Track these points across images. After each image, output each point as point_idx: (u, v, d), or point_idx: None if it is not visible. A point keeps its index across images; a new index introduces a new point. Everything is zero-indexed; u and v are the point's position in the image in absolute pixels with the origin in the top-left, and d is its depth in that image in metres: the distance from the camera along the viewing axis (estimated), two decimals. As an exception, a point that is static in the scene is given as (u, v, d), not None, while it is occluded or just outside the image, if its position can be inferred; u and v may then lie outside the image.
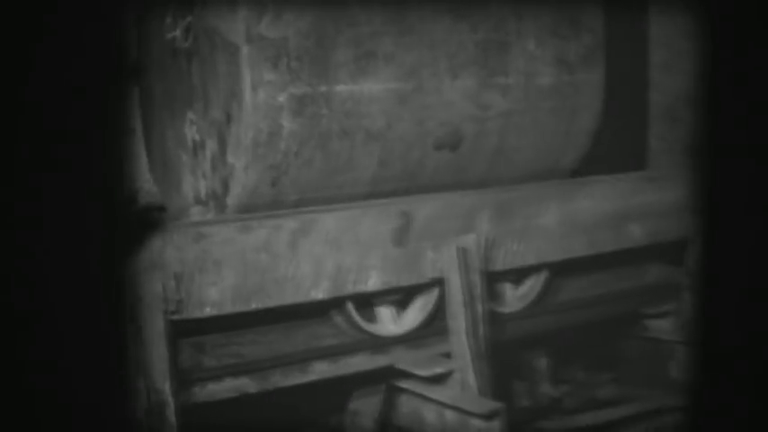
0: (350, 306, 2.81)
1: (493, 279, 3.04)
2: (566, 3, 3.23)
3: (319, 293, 2.62)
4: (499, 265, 2.97)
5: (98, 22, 1.63)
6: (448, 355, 2.89)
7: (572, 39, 3.23)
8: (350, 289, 2.67)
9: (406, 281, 2.79)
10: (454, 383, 2.88)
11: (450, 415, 2.81)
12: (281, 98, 2.64)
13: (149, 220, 2.39)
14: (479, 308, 2.87)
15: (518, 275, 3.20)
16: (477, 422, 2.73)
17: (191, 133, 2.87)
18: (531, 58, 3.12)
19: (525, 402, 3.47)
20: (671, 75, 3.79)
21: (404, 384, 2.86)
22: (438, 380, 2.86)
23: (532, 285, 3.24)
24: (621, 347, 3.63)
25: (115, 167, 1.65)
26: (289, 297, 2.57)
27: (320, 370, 2.68)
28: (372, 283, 2.71)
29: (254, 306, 2.51)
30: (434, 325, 2.96)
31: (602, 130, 3.37)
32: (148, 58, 3.00)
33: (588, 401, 3.64)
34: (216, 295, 2.46)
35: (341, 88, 2.73)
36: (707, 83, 1.75)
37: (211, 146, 2.78)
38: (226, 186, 2.75)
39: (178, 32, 2.83)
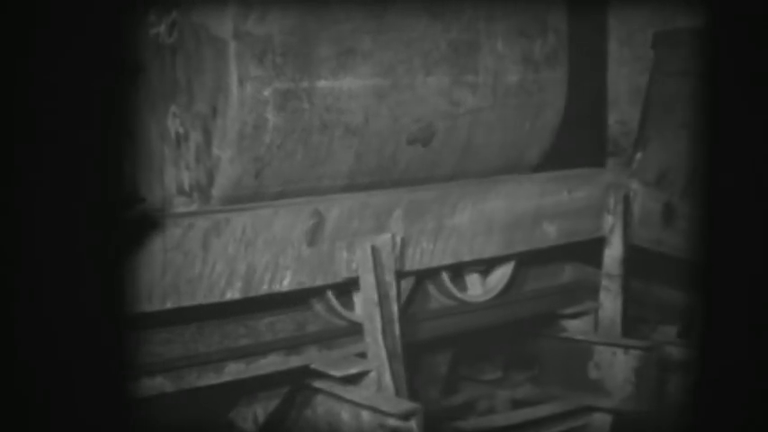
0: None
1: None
2: (533, 3, 3.55)
3: (235, 293, 2.77)
4: (414, 264, 3.16)
5: (96, 22, 1.72)
6: (363, 356, 3.07)
7: (537, 38, 3.56)
8: (264, 289, 2.82)
9: (321, 281, 2.95)
10: (370, 384, 3.05)
11: (366, 415, 2.97)
12: (267, 93, 2.88)
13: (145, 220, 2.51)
14: (394, 308, 3.05)
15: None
16: (393, 422, 2.89)
17: (174, 126, 3.06)
18: (500, 57, 3.44)
19: (442, 402, 3.67)
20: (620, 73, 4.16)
21: (319, 385, 3.02)
22: (353, 380, 3.03)
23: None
24: (539, 347, 3.86)
25: (112, 167, 1.74)
26: (202, 297, 2.71)
27: (235, 370, 2.82)
28: (287, 283, 2.87)
29: (168, 305, 2.65)
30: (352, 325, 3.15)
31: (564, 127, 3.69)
32: (129, 53, 3.10)
33: (505, 401, 3.86)
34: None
35: (322, 84, 2.99)
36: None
37: (195, 138, 2.99)
38: (211, 178, 2.96)
39: (162, 28, 3.03)
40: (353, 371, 3.01)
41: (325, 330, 3.08)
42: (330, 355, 3.05)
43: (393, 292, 3.05)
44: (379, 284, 3.00)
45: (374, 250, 3.00)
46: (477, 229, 3.30)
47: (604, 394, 3.69)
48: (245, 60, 2.83)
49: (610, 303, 3.75)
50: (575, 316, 3.82)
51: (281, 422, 3.10)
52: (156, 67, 3.07)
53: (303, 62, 2.94)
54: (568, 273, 3.89)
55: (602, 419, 3.74)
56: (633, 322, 4.13)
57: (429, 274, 3.37)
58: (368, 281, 3.00)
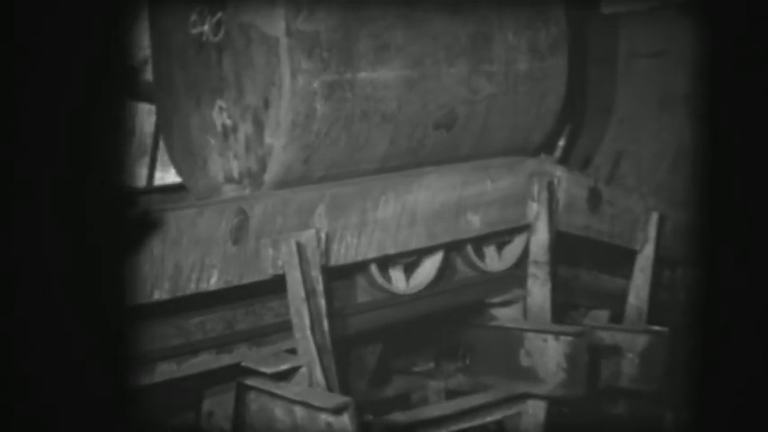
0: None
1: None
2: (531, 6, 4.22)
3: (163, 294, 3.07)
4: (339, 259, 3.49)
5: (96, 22, 1.89)
6: (294, 352, 3.39)
7: (542, 30, 4.21)
8: (192, 288, 3.12)
9: (247, 279, 3.27)
10: (301, 379, 3.37)
11: (299, 411, 3.28)
12: (315, 84, 3.46)
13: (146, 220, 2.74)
14: (322, 303, 3.37)
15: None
16: (325, 417, 3.19)
17: (220, 119, 3.62)
18: (510, 47, 4.10)
19: (375, 395, 4.00)
20: None
21: (252, 382, 3.33)
22: (285, 376, 3.35)
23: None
24: (469, 337, 4.20)
25: (112, 167, 1.93)
26: (130, 298, 3.00)
27: (166, 370, 3.12)
28: (214, 282, 3.18)
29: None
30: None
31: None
32: (168, 53, 3.73)
33: (438, 392, 4.21)
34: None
35: (362, 76, 3.60)
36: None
37: (245, 129, 3.56)
38: (263, 165, 3.53)
39: (206, 28, 3.57)
40: (284, 367, 3.31)
41: (255, 328, 3.39)
42: (260, 352, 3.38)
43: (320, 288, 3.37)
44: (306, 280, 3.32)
45: (299, 246, 3.31)
46: (400, 222, 3.64)
47: (537, 381, 3.98)
48: (296, 55, 3.40)
49: (538, 290, 4.10)
50: (504, 304, 4.15)
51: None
52: (200, 64, 3.63)
53: (346, 56, 3.54)
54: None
55: (536, 406, 4.05)
56: (564, 309, 4.53)
57: (359, 268, 3.72)
58: (294, 277, 3.32)
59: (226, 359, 3.26)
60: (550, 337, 3.96)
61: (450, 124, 3.95)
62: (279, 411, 3.30)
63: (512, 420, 4.13)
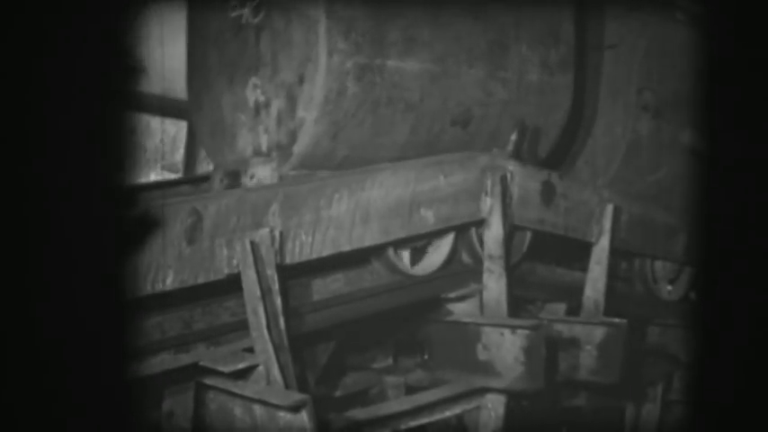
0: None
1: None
2: (549, 18, 4.69)
3: (118, 295, 3.21)
4: (294, 257, 3.65)
5: (98, 23, 1.98)
6: (251, 350, 3.54)
7: (552, 47, 4.68)
8: (148, 289, 3.27)
9: (203, 278, 3.41)
10: (259, 378, 3.52)
11: (257, 409, 3.42)
12: (349, 65, 3.89)
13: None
14: (277, 301, 3.53)
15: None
16: (283, 415, 3.32)
17: (253, 96, 4.03)
18: (524, 59, 4.55)
19: (333, 392, 4.16)
20: None
21: (211, 381, 3.48)
22: (243, 375, 3.50)
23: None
24: (427, 332, 4.37)
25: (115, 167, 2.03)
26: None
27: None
28: (170, 282, 3.33)
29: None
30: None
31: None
32: (204, 38, 4.13)
33: (397, 388, 4.38)
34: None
35: (391, 63, 4.04)
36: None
37: (278, 105, 3.98)
38: (293, 137, 3.96)
39: (246, 11, 3.99)
40: (242, 366, 3.46)
41: (212, 328, 3.54)
42: (218, 351, 3.53)
43: (275, 286, 3.52)
44: (261, 279, 3.48)
45: (253, 245, 3.47)
46: (354, 219, 3.80)
47: (495, 375, 4.13)
48: (333, 35, 3.83)
49: (494, 284, 4.27)
50: (460, 299, 4.34)
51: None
52: (237, 44, 4.02)
53: (377, 43, 3.98)
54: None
55: (495, 400, 4.21)
56: (520, 302, 4.71)
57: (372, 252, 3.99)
58: (249, 276, 3.47)
59: (184, 359, 3.41)
60: (507, 331, 4.11)
61: (466, 122, 4.39)
62: (238, 410, 3.43)
63: (471, 415, 4.29)
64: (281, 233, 3.58)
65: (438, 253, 4.30)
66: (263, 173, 4.08)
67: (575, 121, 5.13)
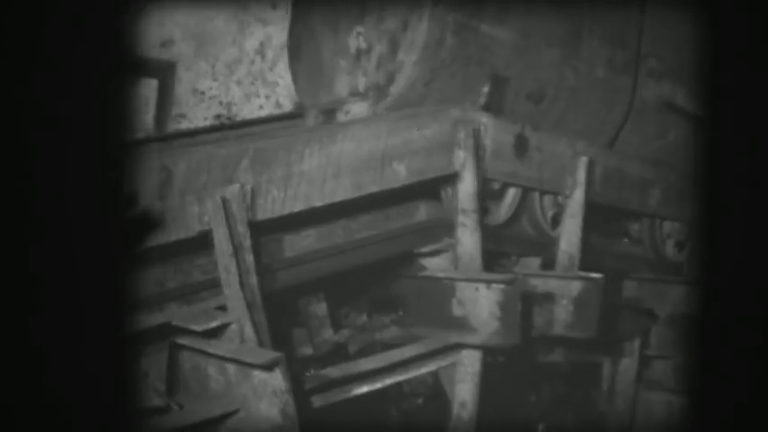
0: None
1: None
2: (618, 21, 5.30)
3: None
4: (266, 213, 3.80)
5: (100, 21, 2.08)
6: (224, 308, 3.70)
7: (619, 48, 5.26)
8: (119, 248, 3.42)
9: (174, 236, 3.57)
10: (233, 336, 3.68)
11: (231, 368, 3.57)
12: (449, 18, 4.41)
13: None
14: (250, 258, 3.68)
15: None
16: (258, 373, 3.44)
17: (355, 43, 4.59)
18: (594, 52, 5.11)
19: (307, 350, 4.34)
20: None
21: (184, 341, 3.64)
22: (216, 334, 3.65)
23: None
24: (401, 288, 4.55)
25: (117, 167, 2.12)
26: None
27: (97, 331, 3.42)
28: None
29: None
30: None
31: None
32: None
33: (371, 345, 4.56)
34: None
35: (484, 27, 4.57)
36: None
37: (379, 50, 4.54)
38: (391, 78, 4.48)
39: None
40: (214, 324, 3.61)
41: (185, 285, 3.69)
42: (191, 310, 3.68)
43: (247, 243, 3.67)
44: (233, 236, 3.63)
45: (224, 202, 3.63)
46: (326, 174, 3.96)
47: (470, 331, 4.28)
48: None
49: (467, 239, 4.43)
50: (434, 254, 4.51)
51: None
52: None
53: (475, 5, 4.54)
54: (423, 211, 4.57)
55: (470, 356, 4.38)
56: (495, 257, 4.90)
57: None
58: (220, 233, 3.63)
59: (157, 318, 3.56)
60: (482, 286, 4.25)
61: (539, 99, 4.94)
62: (212, 369, 3.57)
63: (446, 371, 4.46)
64: (252, 189, 3.73)
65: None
66: (358, 109, 4.60)
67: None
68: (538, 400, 5.50)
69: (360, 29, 4.53)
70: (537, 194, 5.02)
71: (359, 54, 4.54)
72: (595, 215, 5.19)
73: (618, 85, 5.31)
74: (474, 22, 4.51)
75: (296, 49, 5.03)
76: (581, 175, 4.98)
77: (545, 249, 5.07)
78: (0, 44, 2.07)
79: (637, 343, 5.66)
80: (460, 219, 4.45)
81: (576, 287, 4.74)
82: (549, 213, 5.11)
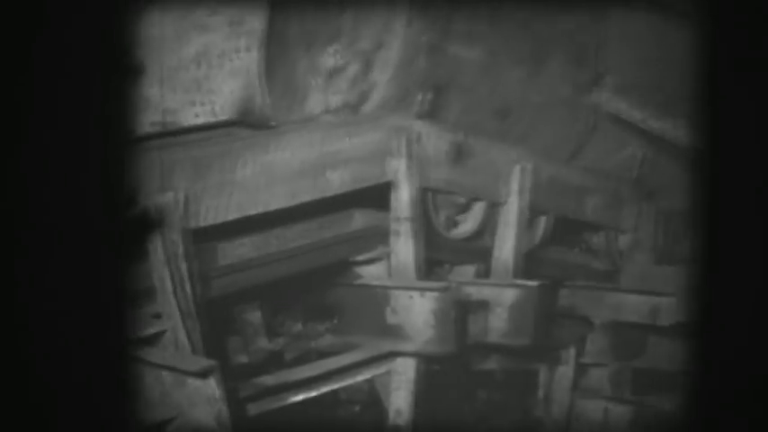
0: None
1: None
2: (581, 43, 5.61)
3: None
4: (200, 221, 3.88)
5: (98, 22, 2.12)
6: (159, 316, 3.77)
7: (579, 67, 5.57)
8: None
9: (108, 242, 3.65)
10: (168, 344, 3.76)
11: (166, 376, 3.62)
12: (422, 39, 4.64)
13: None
14: (183, 266, 3.75)
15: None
16: (192, 381, 3.49)
17: (329, 61, 4.59)
18: (556, 71, 5.43)
19: (242, 358, 4.42)
20: None
21: (118, 349, 3.70)
22: (151, 341, 3.73)
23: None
24: (336, 296, 4.64)
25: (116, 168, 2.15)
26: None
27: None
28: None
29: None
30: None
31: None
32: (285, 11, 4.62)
33: (307, 353, 4.64)
34: None
35: (453, 48, 4.82)
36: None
37: (354, 69, 4.60)
38: (364, 97, 4.62)
39: None
40: (149, 332, 3.70)
41: (117, 294, 3.77)
42: (125, 318, 3.75)
43: (181, 251, 3.74)
44: (166, 244, 3.72)
45: (158, 210, 3.70)
46: (260, 182, 4.06)
47: (405, 339, 4.41)
48: (413, 11, 4.57)
49: (402, 247, 4.53)
50: (369, 262, 4.62)
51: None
52: (320, 18, 4.60)
53: (445, 28, 4.74)
54: (358, 219, 4.67)
55: (405, 364, 4.49)
56: (429, 265, 5.01)
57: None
58: (154, 241, 3.70)
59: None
60: (416, 294, 4.39)
61: (504, 115, 5.24)
62: (148, 377, 3.63)
63: (382, 379, 4.58)
64: (186, 197, 3.80)
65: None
66: None
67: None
68: (474, 407, 5.61)
69: (334, 48, 4.62)
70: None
71: (333, 72, 4.62)
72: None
73: (579, 102, 5.63)
74: (444, 42, 4.77)
75: (270, 67, 5.04)
76: (516, 182, 5.12)
77: (481, 257, 5.20)
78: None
79: (572, 350, 5.79)
80: (395, 227, 4.56)
81: (510, 295, 4.85)
82: None
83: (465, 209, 5.11)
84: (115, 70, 2.36)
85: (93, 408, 2.42)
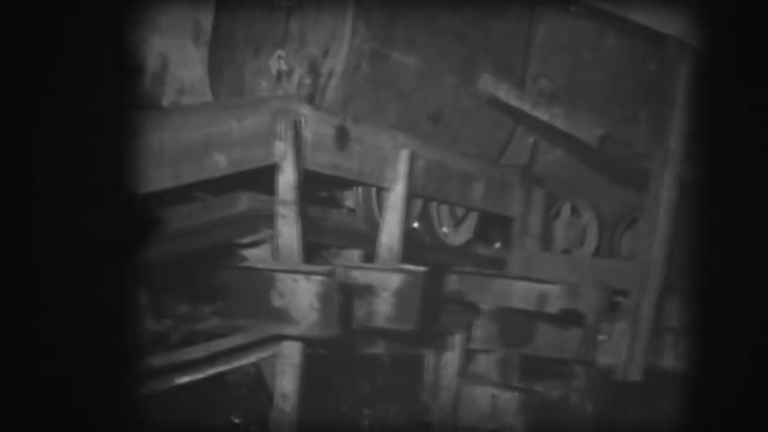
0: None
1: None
2: (508, 50, 6.08)
3: None
4: (84, 201, 4.05)
5: (99, 21, 2.20)
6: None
7: (507, 73, 5.97)
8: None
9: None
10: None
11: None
12: (365, 47, 5.19)
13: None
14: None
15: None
16: None
17: (276, 65, 5.19)
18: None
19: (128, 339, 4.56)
20: None
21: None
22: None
23: None
24: (222, 279, 4.79)
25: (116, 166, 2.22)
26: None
27: None
28: None
29: None
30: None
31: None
32: (233, 16, 5.21)
33: (192, 335, 4.80)
34: None
35: (394, 55, 5.39)
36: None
37: (300, 73, 5.17)
38: (311, 101, 5.04)
39: None
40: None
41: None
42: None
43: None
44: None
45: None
46: (144, 163, 4.23)
47: (291, 322, 4.57)
48: (358, 21, 5.13)
49: (287, 230, 4.70)
50: (254, 245, 4.80)
51: None
52: (268, 23, 5.16)
53: (387, 36, 5.31)
54: (244, 201, 4.84)
55: (290, 348, 4.69)
56: (315, 248, 5.23)
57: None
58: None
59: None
60: (301, 278, 4.56)
61: (437, 119, 5.79)
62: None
63: (268, 362, 4.76)
64: (70, 177, 3.97)
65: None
66: None
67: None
68: (361, 392, 5.82)
69: (281, 53, 5.11)
70: (435, 204, 5.94)
71: (280, 76, 5.11)
72: None
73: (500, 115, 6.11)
74: (386, 50, 5.31)
75: (217, 71, 5.39)
76: (402, 167, 5.34)
77: (368, 241, 5.43)
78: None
79: (459, 336, 6.03)
80: (280, 210, 4.73)
81: (396, 280, 5.06)
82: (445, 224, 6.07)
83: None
84: (116, 70, 2.48)
85: (92, 407, 2.53)
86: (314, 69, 5.14)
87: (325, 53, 5.12)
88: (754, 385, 2.80)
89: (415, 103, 5.62)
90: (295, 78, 5.16)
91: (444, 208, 6.08)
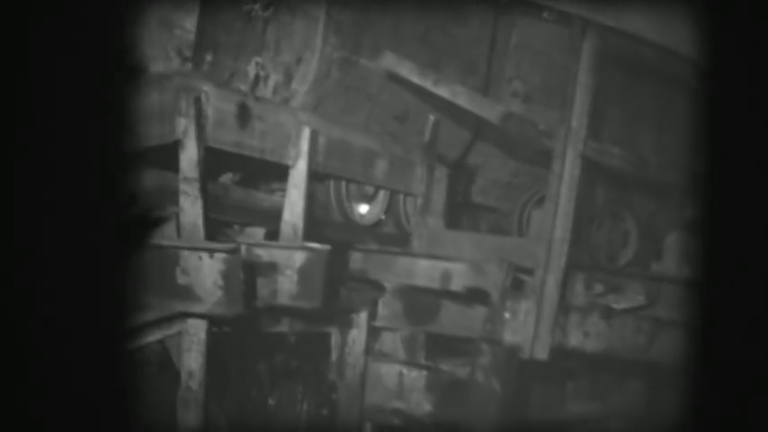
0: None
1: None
2: (470, 53, 6.82)
3: None
4: None
5: (99, 22, 2.33)
6: None
7: (470, 75, 6.81)
8: None
9: None
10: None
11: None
12: (336, 55, 5.95)
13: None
14: None
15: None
16: None
17: (254, 71, 5.65)
18: (449, 79, 6.42)
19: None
20: None
21: None
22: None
23: None
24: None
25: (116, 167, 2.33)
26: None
27: None
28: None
29: None
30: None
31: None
32: (214, 24, 5.45)
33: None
34: None
35: (362, 62, 6.14)
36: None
37: (275, 78, 5.74)
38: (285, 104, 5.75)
39: (257, 6, 5.59)
40: None
41: None
42: None
43: None
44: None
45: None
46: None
47: (196, 300, 4.82)
48: (328, 30, 5.87)
49: (190, 207, 4.95)
50: (159, 221, 5.03)
51: None
52: (247, 31, 5.56)
53: (356, 44, 6.05)
54: (147, 179, 5.06)
55: (196, 325, 4.92)
56: (219, 226, 5.46)
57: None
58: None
59: None
60: (205, 255, 4.81)
61: (404, 119, 6.52)
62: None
63: (173, 340, 5.02)
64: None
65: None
66: None
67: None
68: (268, 370, 6.03)
69: (258, 59, 5.60)
70: (401, 196, 6.73)
71: (257, 80, 5.59)
72: None
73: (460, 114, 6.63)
74: (355, 57, 6.06)
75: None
76: (304, 145, 5.63)
77: (270, 219, 5.72)
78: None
79: (364, 314, 6.27)
80: (183, 187, 4.98)
81: (299, 257, 5.34)
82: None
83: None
84: (116, 70, 2.65)
85: (92, 407, 2.72)
86: (288, 75, 5.78)
87: (299, 61, 5.79)
88: (755, 385, 3.04)
89: (382, 104, 6.40)
90: (270, 84, 5.73)
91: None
